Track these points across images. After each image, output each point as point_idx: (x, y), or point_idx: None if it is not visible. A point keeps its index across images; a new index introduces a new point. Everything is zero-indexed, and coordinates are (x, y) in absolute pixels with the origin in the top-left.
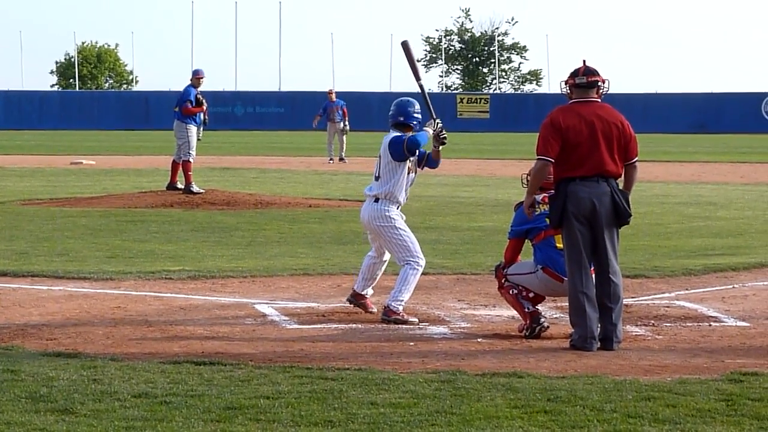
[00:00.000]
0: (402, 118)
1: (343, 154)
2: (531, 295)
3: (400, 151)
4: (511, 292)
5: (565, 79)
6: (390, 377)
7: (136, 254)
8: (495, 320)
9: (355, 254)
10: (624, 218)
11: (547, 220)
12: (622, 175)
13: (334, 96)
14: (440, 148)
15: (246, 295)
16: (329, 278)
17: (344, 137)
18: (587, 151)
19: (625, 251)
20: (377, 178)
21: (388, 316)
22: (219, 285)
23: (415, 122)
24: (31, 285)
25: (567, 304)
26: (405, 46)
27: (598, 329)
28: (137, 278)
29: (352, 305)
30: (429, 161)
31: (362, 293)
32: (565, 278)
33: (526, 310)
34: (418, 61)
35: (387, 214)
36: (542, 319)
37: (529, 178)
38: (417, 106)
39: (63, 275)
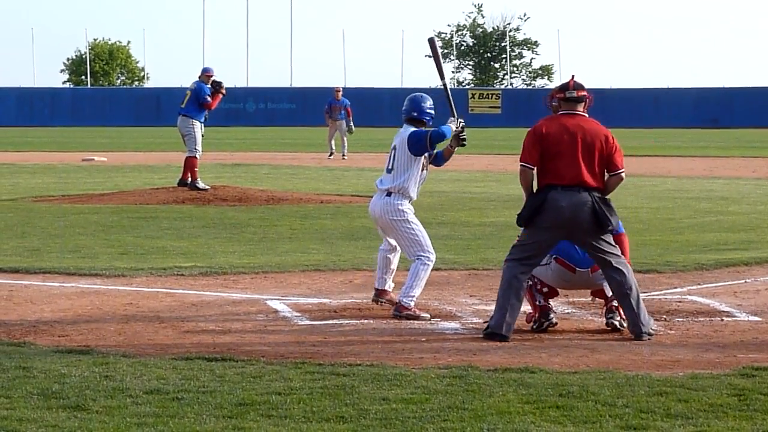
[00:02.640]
0: (416, 114)
1: (345, 151)
2: (545, 290)
3: (422, 144)
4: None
5: (550, 93)
6: (402, 373)
7: (148, 251)
8: None
9: (367, 250)
10: (604, 228)
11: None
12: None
13: (340, 95)
14: (455, 149)
15: (258, 291)
16: (341, 274)
17: (345, 136)
18: (568, 161)
19: (637, 246)
20: (389, 171)
21: (400, 312)
22: (230, 281)
23: (428, 117)
24: (43, 282)
25: (579, 299)
26: (431, 42)
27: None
28: (149, 275)
29: (379, 304)
30: (437, 158)
31: (384, 288)
32: (578, 268)
33: (537, 303)
34: (443, 58)
35: (400, 207)
36: (551, 315)
37: None
38: (430, 102)
39: (75, 272)
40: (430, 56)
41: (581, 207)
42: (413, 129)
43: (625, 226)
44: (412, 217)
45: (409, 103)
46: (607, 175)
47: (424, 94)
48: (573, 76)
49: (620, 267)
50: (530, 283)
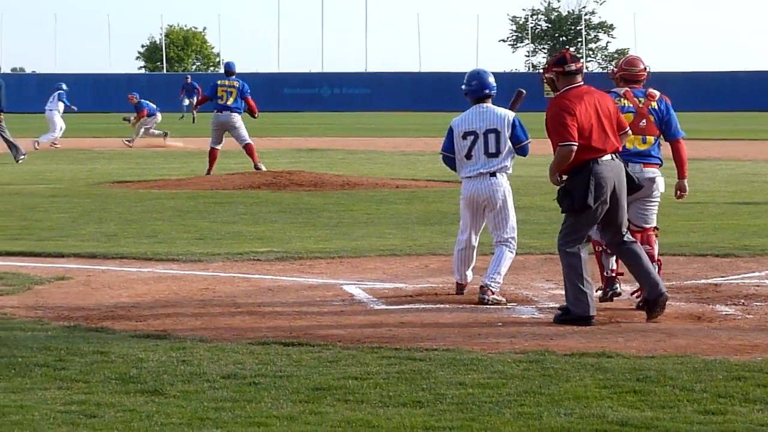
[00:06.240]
0: (487, 90)
1: (135, 139)
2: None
3: (524, 131)
4: (596, 248)
5: (544, 68)
6: (478, 357)
7: (224, 236)
8: None
9: (442, 235)
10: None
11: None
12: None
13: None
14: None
15: (333, 276)
16: (416, 259)
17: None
18: (599, 132)
19: (714, 230)
20: (495, 154)
21: (487, 294)
22: (306, 266)
23: (495, 92)
24: (120, 267)
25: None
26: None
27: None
28: (225, 260)
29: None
30: (523, 149)
31: (468, 282)
32: (630, 162)
33: (606, 273)
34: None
35: (509, 187)
36: (616, 284)
37: None
38: (492, 76)
39: (152, 257)
40: (503, 40)
41: (620, 174)
42: (510, 112)
43: (702, 209)
44: None
45: (479, 82)
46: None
47: (486, 70)
48: (567, 49)
49: (628, 236)
50: (599, 249)
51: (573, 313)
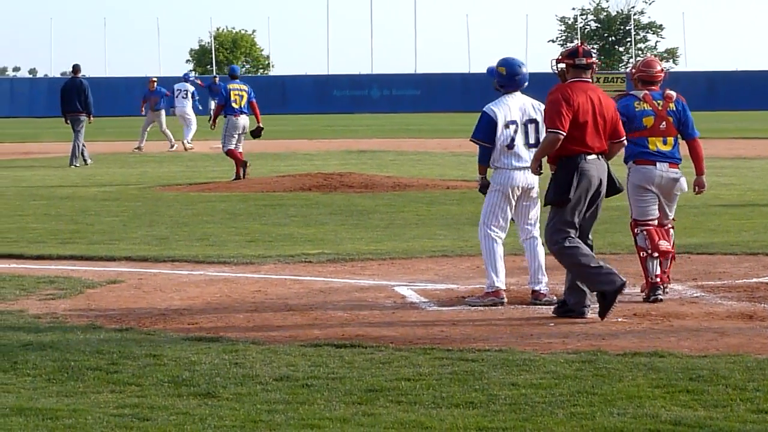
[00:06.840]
0: (526, 84)
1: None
2: (655, 254)
3: None
4: (641, 254)
5: (557, 57)
6: (530, 358)
7: (275, 238)
8: (635, 299)
9: None
10: (618, 192)
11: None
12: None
13: (155, 85)
14: None
15: (385, 277)
16: (468, 260)
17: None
18: (592, 129)
19: (766, 229)
20: (536, 144)
21: (540, 299)
22: (358, 268)
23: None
24: (171, 270)
25: (708, 282)
26: None
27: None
28: (277, 262)
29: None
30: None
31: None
32: (657, 161)
33: (650, 279)
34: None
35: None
36: (659, 291)
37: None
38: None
39: (203, 260)
40: (552, 41)
41: (603, 174)
42: (541, 104)
43: (753, 209)
44: None
45: (521, 73)
46: (610, 142)
47: (522, 62)
48: (582, 43)
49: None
50: (644, 254)
51: (606, 294)
